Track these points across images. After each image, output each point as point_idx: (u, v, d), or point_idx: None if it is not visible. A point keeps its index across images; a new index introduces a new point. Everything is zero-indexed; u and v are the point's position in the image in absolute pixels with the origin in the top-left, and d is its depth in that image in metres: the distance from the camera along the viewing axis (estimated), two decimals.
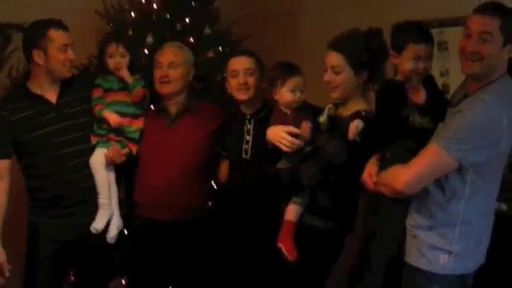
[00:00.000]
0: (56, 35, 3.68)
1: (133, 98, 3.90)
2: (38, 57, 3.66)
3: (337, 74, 3.38)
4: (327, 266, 3.54)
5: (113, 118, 3.79)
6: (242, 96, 3.84)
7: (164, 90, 3.97)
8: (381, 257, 3.31)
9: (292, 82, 3.52)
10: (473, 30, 2.86)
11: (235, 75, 3.85)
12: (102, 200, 3.82)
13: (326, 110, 3.47)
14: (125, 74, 3.88)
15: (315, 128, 3.46)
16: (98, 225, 3.80)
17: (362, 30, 3.41)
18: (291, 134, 3.43)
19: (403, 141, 3.14)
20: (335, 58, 3.38)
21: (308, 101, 3.64)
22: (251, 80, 3.83)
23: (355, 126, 3.20)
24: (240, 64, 3.87)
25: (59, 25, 3.71)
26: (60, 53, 3.68)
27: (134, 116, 3.93)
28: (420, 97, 3.11)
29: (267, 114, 3.72)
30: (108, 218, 3.83)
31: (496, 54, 2.84)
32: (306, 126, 3.43)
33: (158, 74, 3.97)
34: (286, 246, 3.42)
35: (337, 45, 3.40)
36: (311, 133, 3.44)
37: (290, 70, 3.58)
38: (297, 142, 3.42)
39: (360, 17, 4.37)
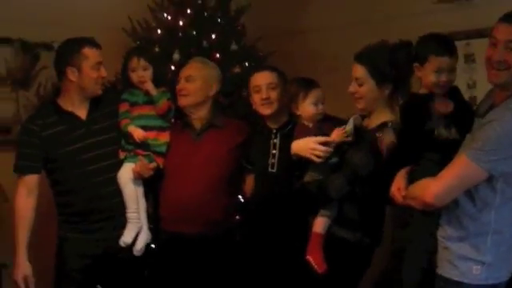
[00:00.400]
0: (90, 53, 3.72)
1: (158, 111, 3.92)
2: (71, 74, 3.69)
3: (360, 85, 3.43)
4: (356, 279, 3.52)
5: (137, 132, 3.80)
6: (265, 111, 3.86)
7: (181, 102, 4.00)
8: (413, 270, 3.27)
9: (314, 95, 3.57)
10: (499, 39, 2.83)
11: (258, 90, 3.88)
12: (131, 214, 3.83)
13: (352, 120, 3.47)
14: (149, 86, 3.90)
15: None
16: (126, 238, 3.80)
17: (391, 42, 3.41)
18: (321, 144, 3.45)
19: (430, 153, 3.12)
20: (359, 70, 3.43)
21: (334, 114, 3.67)
22: (274, 94, 3.85)
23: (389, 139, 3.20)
24: (262, 79, 3.90)
25: (93, 43, 3.76)
26: (94, 70, 3.72)
27: (161, 129, 3.95)
28: (448, 107, 3.09)
29: (293, 128, 3.73)
30: (136, 232, 3.84)
31: None
32: (337, 130, 3.45)
33: (177, 87, 4.03)
34: (315, 259, 3.41)
35: (361, 57, 3.45)
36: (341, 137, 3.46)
37: (309, 83, 3.62)
38: (329, 149, 3.44)
39: (386, 31, 4.35)
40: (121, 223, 3.82)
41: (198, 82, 3.98)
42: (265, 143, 3.88)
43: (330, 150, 3.45)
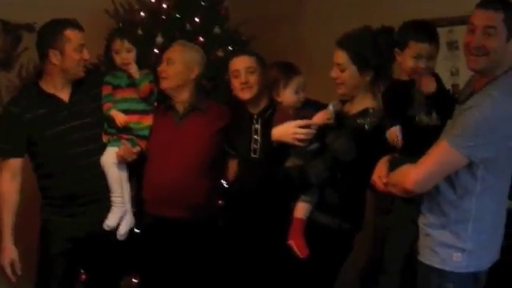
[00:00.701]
0: (73, 35, 3.69)
1: (140, 94, 3.90)
2: (53, 56, 3.66)
3: (342, 71, 3.44)
4: (336, 265, 3.54)
5: (119, 117, 3.79)
6: (244, 95, 3.84)
7: (161, 84, 3.99)
8: (396, 257, 3.30)
9: (295, 82, 3.56)
10: (477, 25, 2.86)
11: (237, 75, 3.86)
12: (115, 198, 3.83)
13: (331, 105, 3.47)
14: (132, 69, 3.88)
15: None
16: (110, 222, 3.81)
17: (374, 27, 3.42)
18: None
19: (411, 140, 3.14)
20: (340, 56, 3.43)
21: (316, 99, 3.67)
22: (253, 79, 3.83)
23: (394, 133, 3.13)
24: (241, 63, 3.89)
25: (75, 25, 3.73)
26: (76, 53, 3.69)
27: (144, 112, 3.94)
28: (431, 86, 3.10)
29: (273, 113, 3.72)
30: (121, 215, 3.85)
31: (501, 48, 2.84)
32: (319, 113, 3.46)
33: (158, 70, 4.01)
34: (296, 244, 3.43)
35: (343, 42, 3.45)
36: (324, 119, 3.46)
37: (290, 70, 3.61)
38: (311, 131, 3.45)
39: (369, 17, 4.33)
40: (105, 207, 3.82)
41: (178, 65, 3.95)
42: (246, 128, 3.87)
43: (313, 131, 3.45)
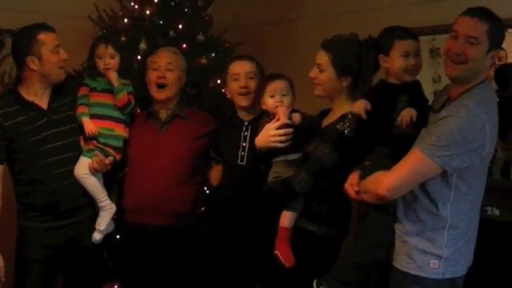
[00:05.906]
0: (47, 38, 3.67)
1: (117, 103, 3.86)
2: (32, 63, 3.64)
3: (321, 71, 3.43)
4: (323, 271, 3.52)
5: (89, 126, 3.77)
6: (243, 101, 3.82)
7: (160, 95, 3.94)
8: (351, 261, 3.28)
9: (270, 87, 3.53)
10: (460, 32, 2.87)
11: (236, 78, 3.82)
12: (102, 203, 3.84)
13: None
14: (112, 75, 3.84)
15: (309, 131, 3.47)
16: (100, 226, 3.83)
17: (361, 36, 3.42)
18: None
19: (382, 148, 3.16)
20: (322, 57, 3.44)
21: (304, 104, 3.65)
22: (252, 84, 3.79)
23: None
24: (241, 68, 3.83)
25: (47, 27, 3.71)
26: (54, 54, 3.68)
27: (118, 120, 3.89)
28: (409, 117, 3.07)
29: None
30: (110, 217, 3.85)
31: (480, 59, 2.85)
32: (281, 110, 3.44)
33: (154, 75, 3.94)
34: (282, 253, 3.40)
35: (327, 44, 3.45)
36: (288, 114, 3.44)
37: (268, 77, 3.61)
38: (288, 130, 3.42)
39: (355, 23, 4.36)
40: (82, 214, 3.83)
41: (176, 72, 3.95)
42: (235, 135, 3.83)
43: (290, 130, 3.43)
